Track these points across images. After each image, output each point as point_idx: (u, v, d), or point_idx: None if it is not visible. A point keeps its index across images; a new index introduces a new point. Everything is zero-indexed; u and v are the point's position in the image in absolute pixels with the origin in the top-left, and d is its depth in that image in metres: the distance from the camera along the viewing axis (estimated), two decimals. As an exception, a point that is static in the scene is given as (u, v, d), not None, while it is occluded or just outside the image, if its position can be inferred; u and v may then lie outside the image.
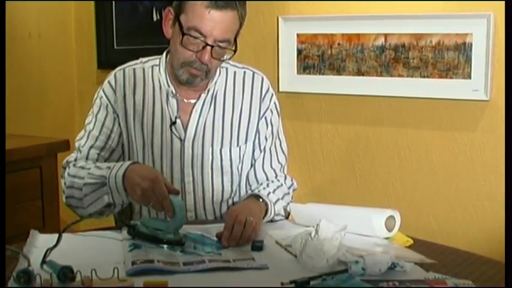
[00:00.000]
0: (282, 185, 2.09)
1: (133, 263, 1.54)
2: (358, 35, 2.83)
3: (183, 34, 1.90)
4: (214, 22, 1.88)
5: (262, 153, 2.11)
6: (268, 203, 1.95)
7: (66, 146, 3.04)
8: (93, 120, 2.06)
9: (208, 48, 1.90)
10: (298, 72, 2.99)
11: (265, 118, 2.11)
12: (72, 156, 2.05)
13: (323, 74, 2.93)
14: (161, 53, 2.10)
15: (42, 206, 2.97)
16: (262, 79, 2.12)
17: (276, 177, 2.12)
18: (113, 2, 3.47)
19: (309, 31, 2.94)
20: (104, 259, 1.60)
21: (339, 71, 2.90)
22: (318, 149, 3.03)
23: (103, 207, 1.92)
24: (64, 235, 1.69)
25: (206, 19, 1.87)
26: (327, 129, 3.00)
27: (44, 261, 1.55)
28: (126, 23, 3.46)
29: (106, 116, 2.04)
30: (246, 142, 2.08)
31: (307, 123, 3.03)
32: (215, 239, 1.77)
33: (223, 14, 1.88)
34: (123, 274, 1.48)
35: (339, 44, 2.88)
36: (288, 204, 2.06)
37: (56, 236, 1.68)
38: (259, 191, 1.99)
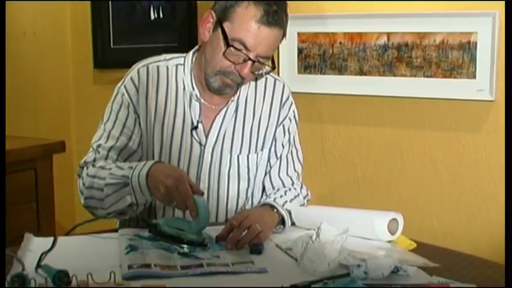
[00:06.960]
0: (298, 194, 2.07)
1: (129, 267, 1.52)
2: (360, 34, 2.81)
3: (228, 45, 1.86)
4: (261, 38, 1.86)
5: (279, 161, 2.11)
6: (284, 214, 1.92)
7: (61, 147, 3.02)
8: (113, 118, 2.00)
9: (250, 62, 1.88)
10: (299, 72, 2.97)
11: (283, 126, 2.10)
12: (90, 157, 1.99)
13: (324, 73, 2.91)
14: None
15: (37, 209, 2.93)
16: (283, 86, 2.12)
17: (292, 185, 2.11)
18: (110, 0, 3.43)
19: (310, 30, 2.91)
20: (100, 263, 1.58)
21: (340, 70, 2.88)
22: (319, 150, 3.01)
23: (125, 207, 1.87)
24: (59, 238, 1.67)
25: (254, 33, 1.85)
26: (328, 130, 2.98)
27: (38, 265, 1.53)
28: (123, 22, 3.43)
29: (127, 115, 1.99)
30: (262, 149, 2.07)
31: (308, 124, 3.00)
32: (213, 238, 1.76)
33: (271, 31, 1.87)
34: (119, 278, 1.46)
35: (340, 43, 2.86)
36: None
37: (51, 239, 1.65)
38: (275, 200, 1.96)
